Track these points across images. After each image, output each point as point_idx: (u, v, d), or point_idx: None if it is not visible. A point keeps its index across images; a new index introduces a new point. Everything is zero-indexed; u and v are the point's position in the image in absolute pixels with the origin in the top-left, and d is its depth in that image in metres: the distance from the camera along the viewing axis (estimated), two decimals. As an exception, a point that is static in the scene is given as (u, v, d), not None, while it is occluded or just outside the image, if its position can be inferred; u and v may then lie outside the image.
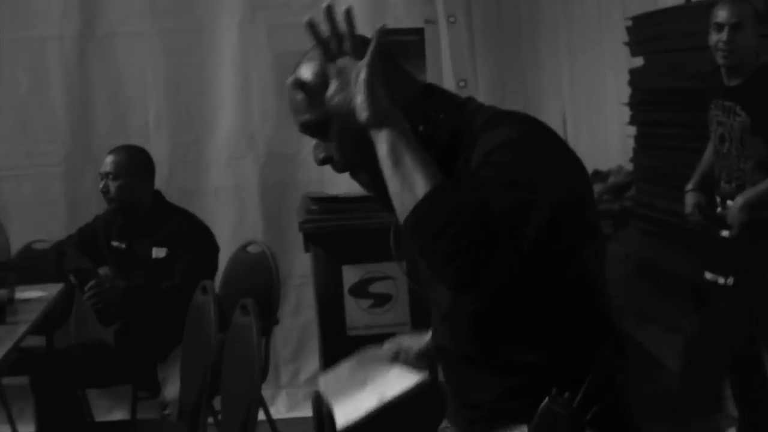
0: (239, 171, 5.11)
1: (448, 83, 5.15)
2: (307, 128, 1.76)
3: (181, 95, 5.21)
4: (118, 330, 4.32)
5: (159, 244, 4.05)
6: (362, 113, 1.53)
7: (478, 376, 1.82)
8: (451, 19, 5.24)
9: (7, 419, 4.70)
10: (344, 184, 4.45)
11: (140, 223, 4.08)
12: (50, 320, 4.46)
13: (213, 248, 4.19)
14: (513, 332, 1.72)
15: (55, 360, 4.47)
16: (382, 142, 1.53)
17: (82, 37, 5.10)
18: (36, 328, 4.14)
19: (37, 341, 4.65)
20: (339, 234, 4.14)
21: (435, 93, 1.80)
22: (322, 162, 1.78)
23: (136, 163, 4.12)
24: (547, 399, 1.68)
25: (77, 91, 5.13)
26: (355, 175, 1.78)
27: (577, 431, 1.68)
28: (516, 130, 1.63)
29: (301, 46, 4.60)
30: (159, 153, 4.96)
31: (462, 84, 5.19)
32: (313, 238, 4.14)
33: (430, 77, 4.93)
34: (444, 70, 5.25)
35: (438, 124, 1.73)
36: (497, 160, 1.57)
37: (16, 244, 4.44)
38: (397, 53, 1.85)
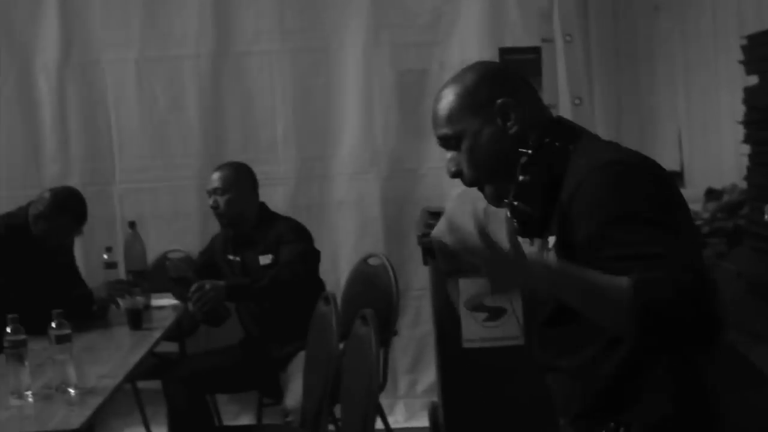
0: (362, 185, 5.24)
1: (564, 100, 5.31)
2: (444, 141, 1.93)
3: (308, 111, 5.38)
4: (243, 339, 4.52)
5: (264, 252, 4.23)
6: (536, 288, 1.74)
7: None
8: (568, 38, 5.32)
9: (142, 421, 4.96)
10: (462, 199, 4.61)
11: (249, 235, 4.28)
12: (183, 327, 4.69)
13: (309, 242, 4.32)
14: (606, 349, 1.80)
15: (187, 366, 4.65)
16: (563, 296, 1.67)
17: (216, 55, 5.33)
18: (169, 335, 4.37)
19: (170, 347, 4.85)
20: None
21: (563, 124, 1.93)
22: (454, 175, 1.93)
23: (241, 177, 4.34)
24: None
25: (211, 108, 5.36)
26: (481, 189, 1.90)
27: None
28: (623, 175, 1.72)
29: (422, 64, 4.79)
30: (286, 167, 5.30)
31: (577, 102, 5.28)
32: (431, 252, 4.17)
33: (546, 94, 5.07)
34: (560, 87, 5.32)
35: (556, 153, 1.83)
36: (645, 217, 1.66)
37: (152, 254, 4.70)
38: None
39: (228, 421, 4.96)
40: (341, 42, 5.35)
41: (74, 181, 5.21)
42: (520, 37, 5.27)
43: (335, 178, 5.28)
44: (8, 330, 3.06)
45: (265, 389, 4.62)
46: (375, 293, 4.36)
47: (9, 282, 3.81)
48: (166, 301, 4.49)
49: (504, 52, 5.25)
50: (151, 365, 4.59)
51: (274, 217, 4.36)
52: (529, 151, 1.82)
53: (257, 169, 4.85)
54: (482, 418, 4.40)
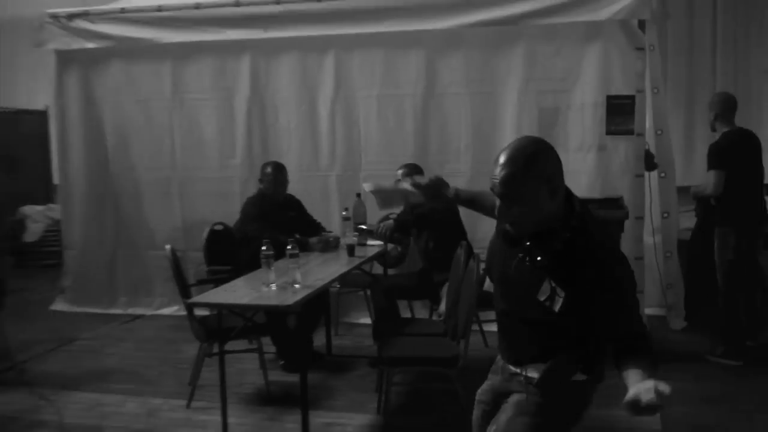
0: None
1: (650, 131, 6.93)
2: (505, 198, 2.51)
3: (480, 132, 7.19)
4: (420, 269, 6.38)
5: None
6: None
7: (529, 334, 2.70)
8: (655, 90, 6.90)
9: (368, 314, 7.04)
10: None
11: None
12: (387, 261, 6.60)
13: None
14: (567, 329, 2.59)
15: (386, 281, 6.40)
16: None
17: (425, 95, 7.30)
18: (381, 262, 6.51)
19: (378, 270, 6.83)
20: None
21: (570, 197, 2.60)
22: (509, 225, 2.59)
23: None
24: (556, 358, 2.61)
25: (421, 128, 7.35)
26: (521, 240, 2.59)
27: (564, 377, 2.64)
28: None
29: (555, 104, 6.98)
30: (465, 166, 7.22)
31: (659, 132, 6.93)
32: None
33: (637, 127, 6.77)
34: (648, 122, 6.88)
35: (573, 225, 2.52)
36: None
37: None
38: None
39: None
40: (504, 88, 7.11)
41: (337, 168, 7.57)
42: (621, 88, 6.79)
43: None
44: (263, 248, 4.74)
45: (431, 298, 6.23)
46: None
47: (264, 228, 5.86)
48: (374, 243, 6.28)
49: (610, 98, 6.86)
50: (366, 280, 6.71)
51: None
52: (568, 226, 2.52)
53: (447, 167, 7.09)
54: None
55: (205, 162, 8.07)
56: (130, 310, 8.30)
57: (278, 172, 6.55)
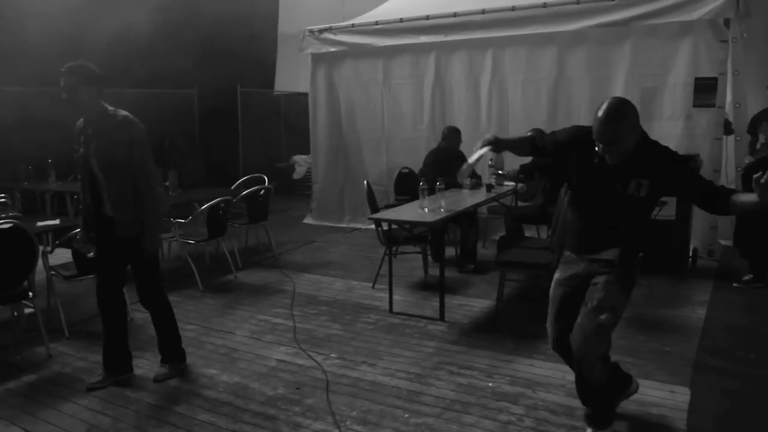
0: None
1: (729, 104, 6.25)
2: (607, 144, 2.48)
3: (595, 106, 6.69)
4: (541, 203, 6.00)
5: None
6: None
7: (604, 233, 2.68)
8: (736, 73, 6.18)
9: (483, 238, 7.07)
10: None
11: None
12: (517, 196, 6.33)
13: None
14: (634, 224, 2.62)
15: (515, 211, 6.08)
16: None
17: (556, 78, 6.94)
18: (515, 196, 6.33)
19: (508, 202, 6.53)
20: None
21: (644, 134, 2.58)
22: (610, 158, 2.53)
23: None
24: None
25: (552, 104, 6.98)
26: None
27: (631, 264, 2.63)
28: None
29: (655, 84, 6.46)
30: None
31: (738, 105, 6.19)
32: None
33: (718, 100, 6.14)
34: (729, 97, 6.23)
35: (643, 144, 2.54)
36: (690, 166, 2.50)
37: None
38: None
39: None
40: (615, 73, 6.66)
41: (492, 132, 6.75)
42: (707, 71, 6.21)
43: None
44: (420, 184, 4.93)
45: (548, 224, 5.64)
46: None
47: (436, 171, 5.87)
48: (509, 183, 6.22)
49: (698, 79, 6.28)
50: (504, 210, 6.49)
51: None
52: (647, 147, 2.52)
53: None
54: (654, 254, 5.66)
55: (403, 126, 8.08)
56: (351, 225, 8.49)
57: (456, 133, 6.50)
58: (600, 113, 2.48)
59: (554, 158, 2.77)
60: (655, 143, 2.57)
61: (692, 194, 2.56)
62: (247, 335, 4.45)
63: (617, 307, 2.67)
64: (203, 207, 5.57)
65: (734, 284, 5.48)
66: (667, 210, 5.59)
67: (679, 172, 2.54)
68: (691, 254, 6.06)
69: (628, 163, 2.53)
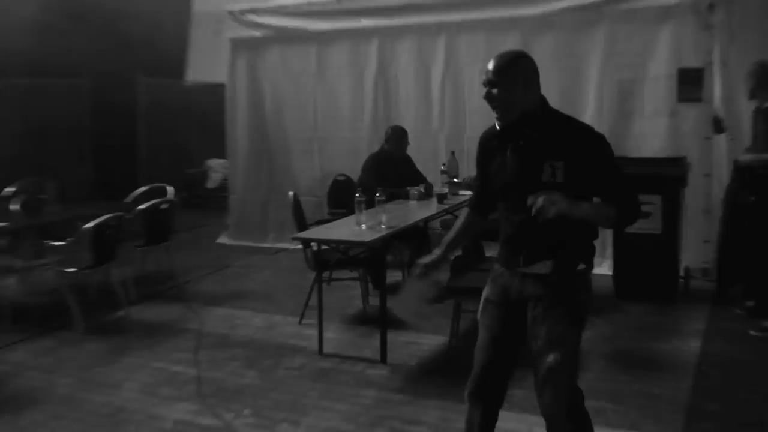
0: None
1: (717, 96, 6.26)
2: (491, 83, 2.58)
3: (565, 101, 6.35)
4: None
5: None
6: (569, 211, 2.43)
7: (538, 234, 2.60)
8: (724, 63, 6.24)
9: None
10: (649, 152, 6.15)
11: None
12: None
13: None
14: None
15: None
16: (582, 215, 2.47)
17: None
18: None
19: None
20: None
21: (545, 101, 2.68)
22: (496, 108, 2.59)
23: None
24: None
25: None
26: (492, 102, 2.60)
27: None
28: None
29: (633, 75, 6.44)
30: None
31: (724, 100, 6.21)
32: None
33: (705, 94, 6.23)
34: (715, 89, 6.26)
35: (542, 112, 2.62)
36: (610, 154, 2.52)
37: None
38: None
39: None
40: (587, 63, 6.69)
41: (445, 131, 7.26)
42: (691, 62, 6.27)
43: None
44: (357, 195, 4.77)
45: None
46: None
47: (378, 179, 5.78)
48: (466, 192, 5.91)
49: (681, 70, 6.32)
50: (453, 223, 6.55)
51: None
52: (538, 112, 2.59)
53: None
54: (635, 274, 5.71)
55: (339, 125, 8.00)
56: (276, 245, 8.28)
57: (402, 134, 6.40)
58: (490, 62, 2.62)
59: (483, 180, 2.83)
60: (561, 114, 2.66)
61: (595, 187, 2.59)
62: (137, 389, 4.24)
63: (566, 340, 2.57)
64: (88, 225, 5.21)
65: (737, 311, 5.42)
66: (651, 222, 5.55)
67: (594, 150, 2.56)
68: (682, 275, 6.05)
69: (537, 142, 2.57)
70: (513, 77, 2.58)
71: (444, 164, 6.32)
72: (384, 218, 4.80)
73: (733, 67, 6.27)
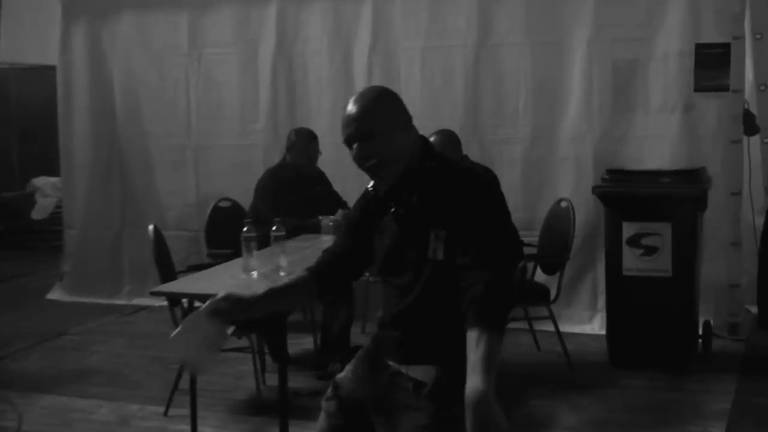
0: (580, 147, 6.90)
1: (748, 84, 6.73)
2: (359, 134, 2.72)
3: (543, 90, 7.06)
4: None
5: None
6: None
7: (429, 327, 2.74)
8: (757, 36, 6.64)
9: None
10: (655, 162, 6.53)
11: None
12: None
13: None
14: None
15: None
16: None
17: (478, 46, 7.20)
18: None
19: None
20: (622, 197, 5.93)
21: (426, 143, 2.83)
22: (370, 167, 2.75)
23: None
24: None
25: (471, 86, 7.23)
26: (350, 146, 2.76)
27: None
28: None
29: (633, 54, 6.82)
30: (524, 130, 7.10)
31: (762, 88, 6.72)
32: (602, 199, 6.04)
33: (733, 82, 6.58)
34: (747, 76, 6.69)
35: (429, 166, 2.75)
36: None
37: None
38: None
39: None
40: (571, 37, 6.97)
41: None
42: (714, 35, 6.60)
43: (560, 140, 6.97)
44: (244, 229, 4.83)
45: None
46: (560, 226, 6.16)
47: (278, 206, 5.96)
48: None
49: (699, 46, 6.65)
50: None
51: None
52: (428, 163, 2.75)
53: (501, 132, 7.07)
54: (636, 333, 5.97)
55: (223, 127, 8.15)
56: (135, 301, 8.35)
57: (310, 141, 6.57)
58: (348, 103, 2.80)
59: (349, 244, 3.02)
60: (445, 158, 2.85)
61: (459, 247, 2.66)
62: None
63: None
64: None
65: None
66: (658, 260, 5.89)
67: (471, 203, 2.69)
68: (701, 332, 6.29)
69: (419, 206, 2.75)
70: (389, 118, 2.77)
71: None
72: (285, 262, 4.91)
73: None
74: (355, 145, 2.75)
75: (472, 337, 2.41)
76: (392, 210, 2.83)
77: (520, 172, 7.14)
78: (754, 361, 6.17)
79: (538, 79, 7.18)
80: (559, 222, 6.31)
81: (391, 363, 2.86)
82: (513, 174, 7.08)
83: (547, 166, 7.15)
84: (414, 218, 2.76)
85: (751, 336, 6.69)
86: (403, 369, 2.81)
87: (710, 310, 6.62)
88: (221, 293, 2.81)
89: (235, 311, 2.80)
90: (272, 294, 2.94)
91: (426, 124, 6.54)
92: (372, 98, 2.77)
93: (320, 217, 6.33)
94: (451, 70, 7.43)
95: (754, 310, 7.03)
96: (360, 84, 7.56)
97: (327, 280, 3.03)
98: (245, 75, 8.05)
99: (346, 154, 2.93)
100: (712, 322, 6.48)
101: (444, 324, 2.69)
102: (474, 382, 2.34)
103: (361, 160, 2.75)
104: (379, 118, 2.72)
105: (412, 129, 2.82)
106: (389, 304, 2.89)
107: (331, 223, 6.27)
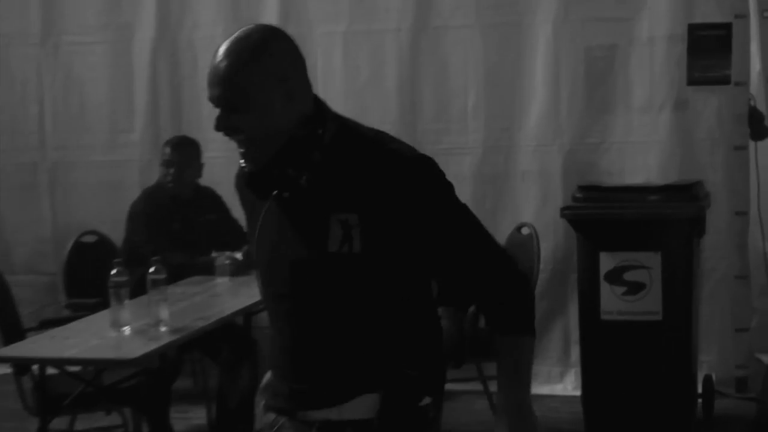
0: (545, 157, 6.92)
1: (754, 74, 6.87)
2: (224, 101, 2.57)
3: (498, 84, 7.11)
4: None
5: None
6: None
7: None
8: (766, 14, 6.76)
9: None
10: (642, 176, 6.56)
11: None
12: None
13: None
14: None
15: None
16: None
17: (415, 30, 7.23)
18: None
19: None
20: (598, 221, 5.89)
21: (318, 102, 2.67)
22: (240, 145, 2.61)
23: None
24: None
25: (408, 79, 7.29)
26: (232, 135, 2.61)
27: None
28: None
29: (611, 39, 6.87)
30: (475, 137, 7.13)
31: None
32: (573, 224, 6.00)
33: (735, 71, 6.66)
34: (752, 62, 6.78)
35: (321, 135, 2.61)
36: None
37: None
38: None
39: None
40: (533, 17, 7.02)
41: None
42: (711, 13, 6.68)
43: (520, 149, 7.01)
44: (113, 272, 4.82)
45: None
46: (521, 258, 5.97)
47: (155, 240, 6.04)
48: None
49: (693, 28, 6.72)
50: None
51: None
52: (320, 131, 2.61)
53: (447, 139, 7.03)
54: (619, 393, 5.93)
55: (88, 139, 8.11)
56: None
57: (182, 151, 6.58)
58: (220, 47, 2.64)
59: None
60: (351, 126, 2.72)
61: (432, 260, 2.69)
62: None
63: None
64: None
65: None
66: (645, 300, 5.89)
67: (413, 190, 2.60)
68: (701, 390, 6.32)
69: (315, 188, 2.62)
70: (269, 86, 2.59)
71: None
72: (166, 313, 4.90)
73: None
74: (219, 115, 2.60)
75: (506, 342, 2.61)
76: (274, 194, 2.68)
77: (470, 191, 7.03)
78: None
79: (491, 72, 7.25)
80: (519, 253, 6.28)
81: (308, 414, 2.72)
82: (461, 192, 6.95)
83: (503, 183, 7.19)
84: (308, 200, 2.64)
85: (764, 392, 6.70)
86: (333, 415, 2.69)
87: (712, 362, 6.70)
88: None
89: None
90: None
91: (369, 119, 6.99)
92: (249, 53, 2.56)
93: (214, 254, 6.30)
94: (382, 60, 7.49)
95: (766, 360, 7.11)
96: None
97: None
98: (116, 71, 8.03)
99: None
100: (714, 377, 6.52)
101: (373, 334, 2.66)
102: (516, 391, 2.57)
103: (223, 131, 2.61)
104: (255, 86, 2.54)
105: (302, 93, 2.63)
106: (283, 330, 2.78)
107: (228, 262, 6.24)
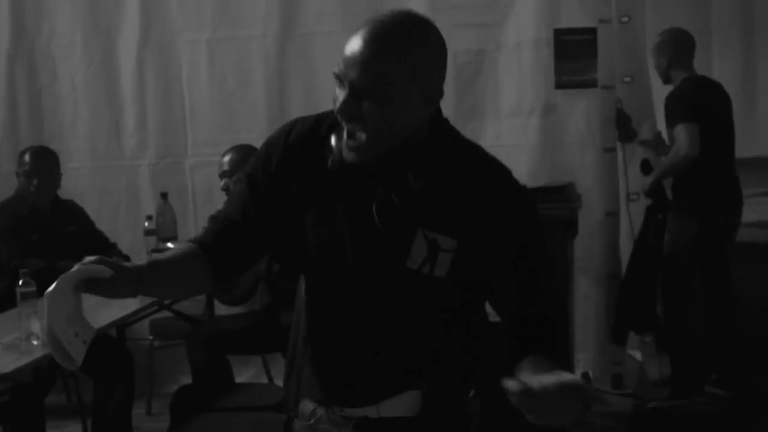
0: None
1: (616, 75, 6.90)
2: (359, 86, 2.37)
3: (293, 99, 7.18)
4: (264, 307, 6.22)
5: None
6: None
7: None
8: (624, 20, 6.83)
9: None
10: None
11: None
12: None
13: None
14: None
15: (211, 326, 6.49)
16: None
17: (282, 36, 7.25)
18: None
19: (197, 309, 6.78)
20: None
21: (439, 108, 2.54)
22: (349, 137, 2.43)
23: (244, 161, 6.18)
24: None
25: (276, 86, 7.29)
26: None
27: None
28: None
29: (478, 44, 6.91)
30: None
31: (627, 80, 6.88)
32: None
33: (601, 75, 6.78)
34: (616, 66, 6.85)
35: (443, 140, 2.52)
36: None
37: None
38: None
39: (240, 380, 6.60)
40: None
41: (150, 154, 7.43)
42: (576, 18, 6.77)
43: None
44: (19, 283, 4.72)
45: (281, 350, 5.71)
46: None
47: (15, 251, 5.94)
48: None
49: (559, 33, 6.81)
50: (175, 325, 6.66)
51: None
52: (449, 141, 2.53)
53: None
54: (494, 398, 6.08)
55: None
56: None
57: (39, 161, 6.42)
58: (362, 28, 2.47)
59: (252, 214, 2.65)
60: (467, 141, 2.61)
61: (502, 295, 2.60)
62: None
63: None
64: None
65: (648, 404, 6.19)
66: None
67: (513, 224, 2.51)
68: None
69: (415, 198, 2.46)
70: (410, 79, 2.40)
71: (149, 217, 6.45)
72: (36, 326, 4.78)
73: (638, 25, 6.96)
74: (345, 93, 2.42)
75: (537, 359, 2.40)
76: (378, 193, 2.48)
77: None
78: (646, 418, 6.37)
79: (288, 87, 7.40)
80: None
81: (351, 409, 2.66)
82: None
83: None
84: (406, 211, 2.47)
85: (640, 387, 6.89)
86: (371, 412, 2.64)
87: (588, 359, 6.84)
88: (89, 258, 2.34)
89: (117, 284, 2.34)
90: (159, 266, 2.57)
91: (219, 138, 7.10)
92: (403, 43, 2.38)
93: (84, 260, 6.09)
94: (248, 67, 7.50)
95: (638, 356, 7.26)
96: (128, 88, 7.60)
97: (220, 257, 2.62)
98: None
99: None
100: (591, 375, 6.56)
101: (428, 344, 2.58)
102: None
103: (347, 119, 2.43)
104: (400, 80, 2.35)
105: (438, 99, 2.48)
106: (332, 327, 2.67)
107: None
